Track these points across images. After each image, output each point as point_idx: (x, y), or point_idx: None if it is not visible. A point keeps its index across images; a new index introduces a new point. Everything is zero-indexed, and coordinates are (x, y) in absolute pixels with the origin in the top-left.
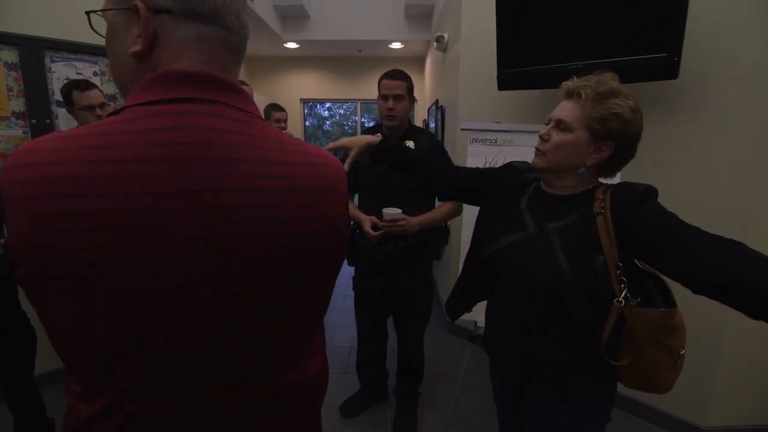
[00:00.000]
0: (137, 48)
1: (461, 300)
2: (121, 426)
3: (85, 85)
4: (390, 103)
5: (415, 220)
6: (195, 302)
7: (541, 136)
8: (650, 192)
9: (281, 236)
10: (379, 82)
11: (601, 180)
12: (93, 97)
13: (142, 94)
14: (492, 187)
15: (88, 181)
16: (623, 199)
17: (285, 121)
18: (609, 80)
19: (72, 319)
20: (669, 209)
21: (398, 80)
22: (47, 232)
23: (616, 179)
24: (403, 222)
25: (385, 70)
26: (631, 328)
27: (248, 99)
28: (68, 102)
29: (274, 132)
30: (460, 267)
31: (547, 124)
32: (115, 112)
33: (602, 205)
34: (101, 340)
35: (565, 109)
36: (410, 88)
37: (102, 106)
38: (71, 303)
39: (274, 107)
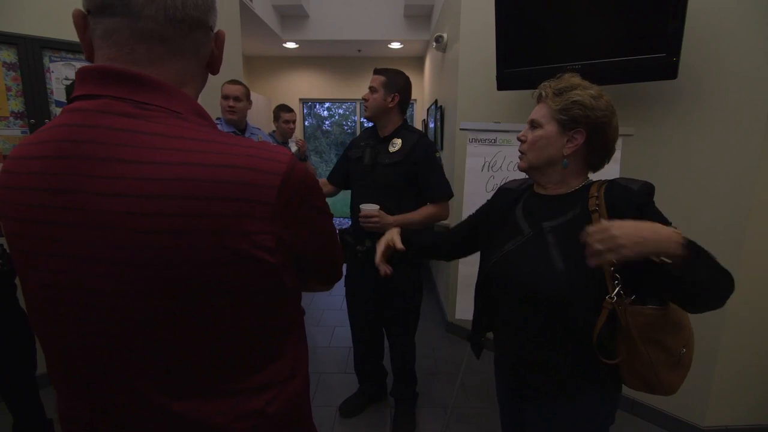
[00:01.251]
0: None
1: (477, 330)
2: (84, 420)
3: None
4: (367, 94)
5: (391, 219)
6: (81, 307)
7: (519, 138)
8: (648, 193)
9: (146, 248)
10: None
11: (591, 176)
12: None
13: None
14: (486, 217)
15: (12, 175)
16: (619, 201)
17: (294, 122)
18: (568, 78)
19: (30, 302)
20: (667, 207)
21: (376, 74)
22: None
23: (612, 174)
24: (376, 219)
25: None
26: (625, 326)
27: (159, 92)
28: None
29: (185, 129)
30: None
31: None
32: None
33: (597, 202)
34: (40, 330)
35: (536, 111)
36: (388, 83)
37: None
38: (26, 287)
39: (283, 108)
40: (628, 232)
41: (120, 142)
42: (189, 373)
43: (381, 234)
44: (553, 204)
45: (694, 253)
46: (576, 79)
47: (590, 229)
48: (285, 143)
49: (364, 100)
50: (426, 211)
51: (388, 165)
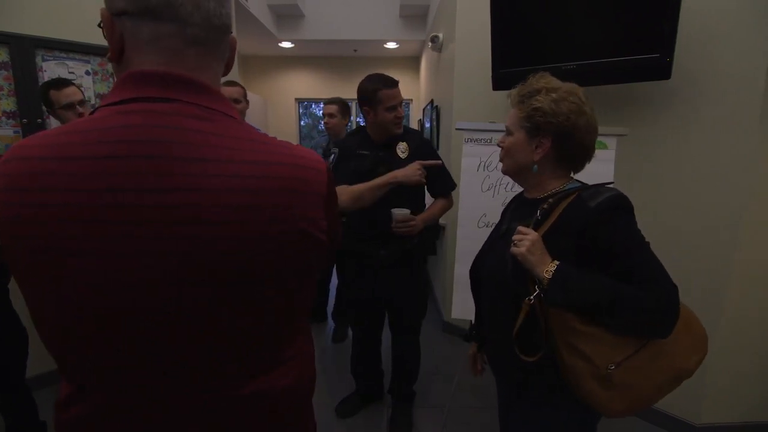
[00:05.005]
0: (109, 54)
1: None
2: (88, 416)
3: (61, 83)
4: (400, 111)
5: (420, 219)
6: (133, 301)
7: (498, 144)
8: (606, 209)
9: (229, 238)
10: (374, 93)
11: (574, 176)
12: (71, 94)
13: (111, 95)
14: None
15: (44, 176)
16: (573, 214)
17: (330, 115)
18: (536, 81)
19: (42, 303)
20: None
21: (397, 87)
22: (14, 222)
23: (606, 174)
24: (414, 223)
25: (384, 71)
26: (551, 327)
27: (214, 96)
28: (47, 104)
29: (240, 130)
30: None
31: None
32: (92, 112)
33: (543, 208)
34: (49, 328)
35: (509, 117)
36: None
37: (81, 102)
38: (40, 288)
39: (328, 101)
40: (531, 247)
41: (199, 143)
42: (242, 351)
43: (405, 236)
44: (528, 206)
45: (557, 282)
46: (542, 81)
47: (520, 227)
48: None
49: (399, 117)
50: (441, 205)
51: None
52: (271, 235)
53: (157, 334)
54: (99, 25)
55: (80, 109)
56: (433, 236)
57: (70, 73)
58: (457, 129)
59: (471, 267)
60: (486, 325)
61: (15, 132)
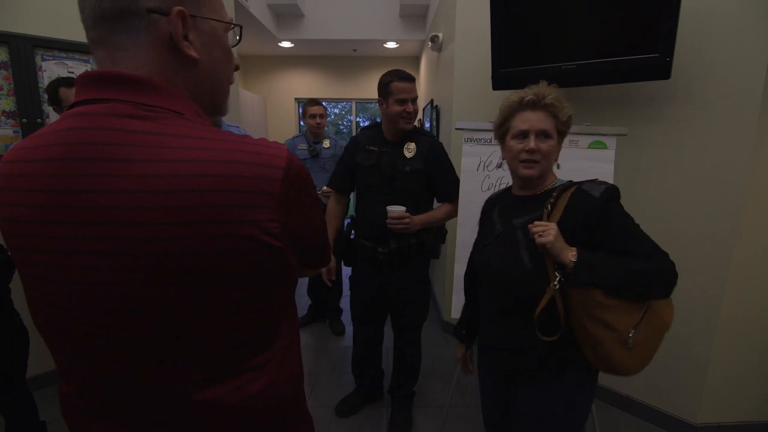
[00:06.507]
0: None
1: (466, 320)
2: (87, 411)
3: (73, 82)
4: (410, 106)
5: (418, 219)
6: (127, 298)
7: (531, 150)
8: (608, 199)
9: (160, 240)
10: (387, 85)
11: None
12: None
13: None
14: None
15: (10, 177)
16: (579, 204)
17: (320, 116)
18: (548, 89)
19: (35, 305)
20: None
21: (412, 82)
22: (8, 221)
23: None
24: (407, 219)
25: (384, 71)
26: (573, 306)
27: (153, 92)
28: (55, 100)
29: (181, 128)
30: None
31: (524, 137)
32: None
33: (551, 200)
34: (38, 320)
35: (542, 120)
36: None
37: None
38: (34, 285)
39: (308, 102)
40: (558, 235)
41: (131, 143)
42: (202, 355)
43: (402, 235)
44: (527, 203)
45: (583, 264)
46: (552, 89)
47: (537, 222)
48: (318, 143)
49: (409, 113)
50: (445, 209)
51: (410, 173)
52: (207, 236)
53: (155, 330)
54: None
55: None
56: (437, 239)
57: (69, 72)
58: (456, 129)
59: (467, 267)
60: (485, 322)
61: (15, 132)
